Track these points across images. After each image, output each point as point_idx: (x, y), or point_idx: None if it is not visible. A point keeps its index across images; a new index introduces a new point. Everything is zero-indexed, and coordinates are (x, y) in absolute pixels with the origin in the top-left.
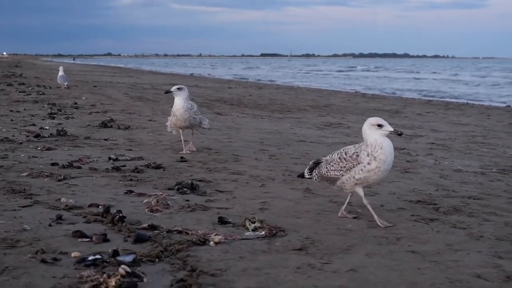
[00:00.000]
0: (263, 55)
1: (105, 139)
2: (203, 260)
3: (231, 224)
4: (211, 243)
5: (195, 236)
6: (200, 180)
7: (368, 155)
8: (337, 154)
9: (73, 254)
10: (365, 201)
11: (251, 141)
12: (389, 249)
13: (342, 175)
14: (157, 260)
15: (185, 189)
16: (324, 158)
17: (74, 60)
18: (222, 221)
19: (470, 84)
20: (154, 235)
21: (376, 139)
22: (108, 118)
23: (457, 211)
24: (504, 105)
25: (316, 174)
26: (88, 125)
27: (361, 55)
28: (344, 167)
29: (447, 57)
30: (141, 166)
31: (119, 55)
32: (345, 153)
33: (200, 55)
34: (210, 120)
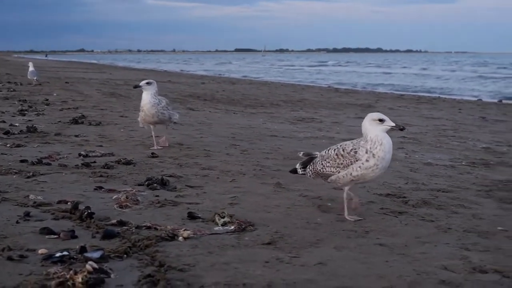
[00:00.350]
0: (237, 50)
1: (76, 136)
2: (172, 255)
3: (200, 219)
4: (180, 238)
5: (164, 232)
6: (170, 176)
7: (366, 152)
8: (334, 150)
9: (40, 251)
10: (345, 195)
11: (223, 136)
12: (358, 242)
13: (339, 172)
14: (125, 256)
15: (155, 184)
16: (319, 153)
17: (46, 56)
18: (191, 216)
19: (441, 78)
20: (122, 231)
21: (376, 134)
22: (80, 115)
23: (426, 204)
24: (475, 98)
25: (311, 170)
26: (59, 121)
27: (335, 50)
28: (341, 163)
29: (420, 51)
30: (111, 162)
31: (92, 51)
32: (343, 150)
33: (174, 50)
34: (182, 115)
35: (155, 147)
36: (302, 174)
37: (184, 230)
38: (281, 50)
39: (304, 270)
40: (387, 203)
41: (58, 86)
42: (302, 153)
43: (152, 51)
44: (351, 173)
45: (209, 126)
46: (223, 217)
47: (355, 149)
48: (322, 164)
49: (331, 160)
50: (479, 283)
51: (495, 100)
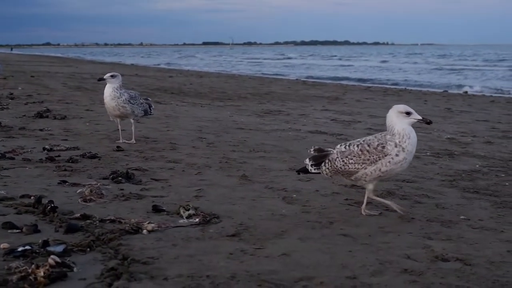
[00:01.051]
0: (205, 43)
1: (41, 130)
2: (136, 248)
3: (165, 212)
4: (144, 231)
5: (128, 225)
6: (136, 169)
7: (396, 146)
8: (357, 146)
9: (1, 246)
10: (368, 193)
11: (190, 129)
12: (322, 233)
13: (365, 168)
14: (88, 249)
15: (120, 178)
16: (336, 149)
17: (11, 50)
18: (156, 209)
19: (402, 70)
20: (86, 224)
21: (404, 128)
22: (44, 109)
23: (390, 194)
24: (442, 90)
25: (328, 169)
26: (24, 115)
27: (303, 43)
28: (368, 159)
29: (387, 44)
30: (76, 156)
31: (59, 44)
32: (368, 145)
33: (141, 44)
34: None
35: (121, 141)
36: (316, 172)
37: (148, 223)
38: (249, 43)
39: (268, 261)
40: (352, 194)
41: (23, 80)
42: (313, 149)
43: (119, 44)
44: (380, 169)
45: (176, 120)
46: (188, 210)
47: (382, 144)
48: (343, 161)
49: (354, 156)
50: (441, 271)
51: (461, 92)
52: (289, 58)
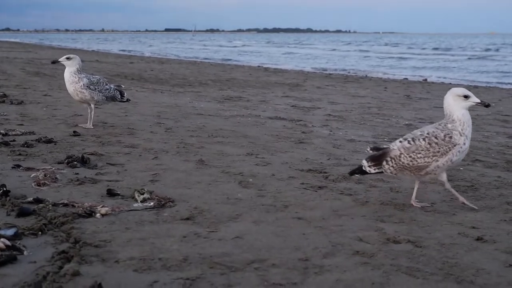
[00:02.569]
0: (167, 30)
1: None
2: (88, 232)
3: (120, 196)
4: (98, 215)
5: (81, 209)
6: (91, 154)
7: (461, 135)
8: (424, 140)
9: None
10: (447, 185)
11: (148, 115)
12: (276, 216)
13: (437, 161)
14: (40, 233)
15: (75, 162)
16: (395, 146)
17: None
18: (110, 193)
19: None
20: (39, 208)
21: (463, 114)
22: (1, 93)
23: (345, 179)
24: (402, 77)
25: (392, 167)
26: None
27: (265, 30)
28: (438, 151)
29: (349, 32)
30: (31, 140)
31: (18, 30)
32: (435, 137)
33: (103, 30)
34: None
35: (83, 125)
36: (377, 172)
37: (102, 207)
38: (212, 30)
39: (221, 244)
40: (308, 178)
41: None
42: (369, 148)
43: (80, 30)
44: (451, 159)
45: (135, 105)
46: (143, 194)
47: (448, 134)
48: (410, 157)
49: (423, 150)
50: (392, 253)
51: (420, 79)
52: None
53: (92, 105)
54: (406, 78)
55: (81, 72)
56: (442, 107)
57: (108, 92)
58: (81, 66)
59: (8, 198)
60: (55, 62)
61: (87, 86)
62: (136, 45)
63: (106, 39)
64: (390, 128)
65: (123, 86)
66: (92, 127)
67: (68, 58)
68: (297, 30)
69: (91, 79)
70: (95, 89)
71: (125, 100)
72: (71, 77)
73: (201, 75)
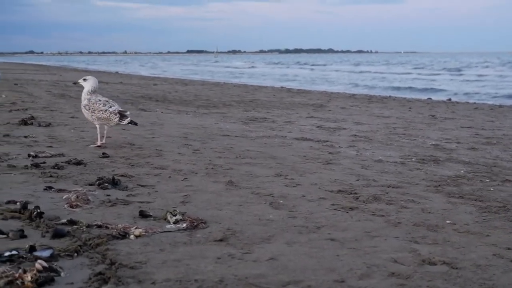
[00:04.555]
0: (189, 52)
1: (25, 137)
2: (123, 253)
3: (152, 218)
4: (131, 236)
5: (115, 230)
6: (122, 175)
7: None
8: None
9: None
10: None
11: (175, 136)
12: (309, 238)
13: None
14: (75, 254)
15: (106, 184)
16: None
17: None
18: (143, 214)
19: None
20: (73, 230)
21: None
22: (29, 116)
23: (376, 200)
24: (426, 97)
25: None
26: (8, 122)
27: (287, 51)
28: None
29: (371, 52)
30: (61, 162)
31: (42, 52)
32: None
33: (126, 52)
34: (133, 116)
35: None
36: None
37: (135, 228)
38: (234, 51)
39: (255, 266)
40: (338, 199)
41: (6, 87)
42: None
43: (103, 52)
44: None
45: (161, 127)
46: (175, 215)
47: None
48: None
49: None
50: (428, 275)
51: (444, 99)
52: (253, 67)
53: (96, 125)
54: (430, 98)
55: (91, 93)
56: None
57: (102, 113)
58: (95, 87)
59: (42, 220)
60: (75, 83)
61: (83, 106)
62: (158, 67)
63: (128, 61)
64: (417, 149)
65: (128, 112)
66: (99, 145)
67: (84, 79)
68: (318, 51)
69: (92, 100)
70: (89, 109)
71: (123, 123)
72: (82, 97)
73: (225, 96)
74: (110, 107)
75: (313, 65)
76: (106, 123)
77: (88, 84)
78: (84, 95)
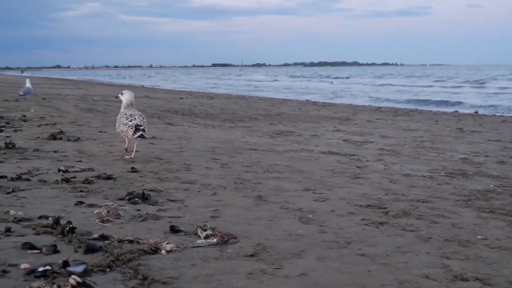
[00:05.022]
0: (214, 65)
1: (55, 151)
2: (155, 268)
3: (182, 233)
4: (163, 251)
5: (147, 245)
6: (151, 190)
7: None
8: None
9: (22, 266)
10: None
11: (203, 150)
12: (340, 253)
13: None
14: (108, 269)
15: (136, 199)
16: None
17: (22, 72)
18: (173, 229)
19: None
20: (105, 245)
21: None
22: (58, 130)
23: (406, 214)
24: (452, 110)
25: None
26: (37, 137)
27: (312, 64)
28: None
29: (396, 64)
30: (91, 177)
31: (69, 67)
32: None
33: (151, 66)
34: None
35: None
36: None
37: (166, 243)
38: (259, 65)
39: (287, 281)
40: (368, 214)
41: (35, 102)
42: None
43: (129, 66)
44: None
45: (188, 141)
46: (206, 230)
47: None
48: None
49: None
50: None
51: (471, 112)
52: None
53: (124, 137)
54: (457, 111)
55: (127, 106)
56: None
57: (123, 126)
58: (131, 100)
59: (74, 235)
60: (116, 97)
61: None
62: (180, 81)
63: (153, 75)
64: (446, 162)
65: (142, 127)
66: (128, 158)
67: (121, 94)
68: (343, 64)
69: (122, 113)
70: (117, 121)
71: (134, 136)
72: (121, 111)
73: (250, 110)
74: (131, 120)
75: (336, 77)
76: (125, 135)
77: (124, 97)
78: (121, 109)
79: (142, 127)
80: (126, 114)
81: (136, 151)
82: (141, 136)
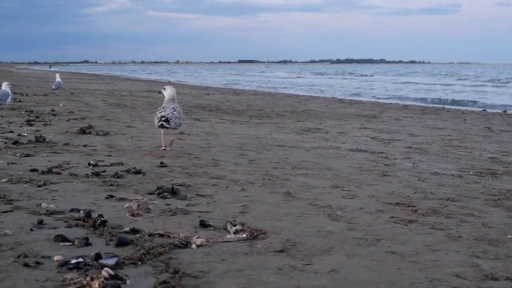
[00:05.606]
0: (240, 61)
1: (84, 145)
2: (186, 262)
3: (212, 227)
4: (193, 246)
5: (177, 239)
6: (180, 185)
7: None
8: None
9: (55, 258)
10: None
11: (230, 146)
12: (369, 250)
13: None
14: (139, 262)
15: (165, 193)
16: None
17: (50, 67)
18: (203, 224)
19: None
20: (136, 238)
21: None
22: (87, 125)
23: (435, 213)
24: (481, 109)
25: None
26: (67, 131)
27: (338, 61)
28: None
29: (423, 62)
30: (121, 171)
31: (96, 62)
32: None
33: (178, 62)
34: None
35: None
36: None
37: (197, 238)
38: (285, 61)
39: (317, 277)
40: (397, 212)
41: (63, 97)
42: None
43: (156, 62)
44: None
45: (216, 136)
46: (235, 225)
47: None
48: None
49: None
50: None
51: (500, 111)
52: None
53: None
54: (485, 110)
55: (168, 101)
56: None
57: (155, 117)
58: (172, 95)
59: (106, 228)
60: (160, 92)
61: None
62: (210, 76)
63: (178, 70)
64: (474, 161)
65: (164, 118)
66: (165, 149)
67: (164, 89)
68: (370, 61)
69: (160, 106)
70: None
71: (156, 126)
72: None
73: (277, 106)
74: (160, 112)
75: (360, 75)
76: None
77: (166, 93)
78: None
79: (164, 118)
80: (161, 107)
81: (166, 147)
82: (161, 126)
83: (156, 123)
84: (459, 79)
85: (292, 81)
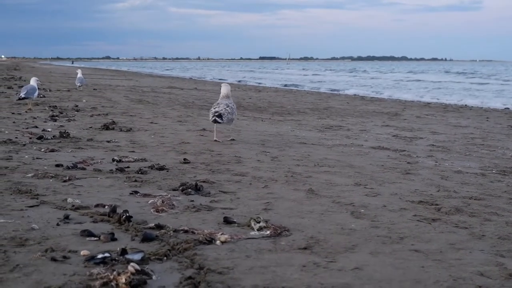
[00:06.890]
0: (261, 58)
1: (108, 141)
2: (210, 258)
3: (236, 224)
4: (218, 242)
5: (202, 236)
6: (203, 181)
7: None
8: None
9: (82, 253)
10: None
11: (253, 143)
12: (393, 248)
13: None
14: (165, 258)
15: (189, 190)
16: None
17: (72, 63)
18: (227, 221)
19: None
20: (161, 234)
21: None
22: (110, 121)
23: (458, 211)
24: (504, 107)
25: None
26: (90, 127)
27: (359, 58)
28: None
29: (445, 60)
30: (144, 167)
31: (118, 58)
32: None
33: (199, 58)
34: (210, 122)
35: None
36: None
37: (221, 234)
38: (306, 58)
39: (341, 275)
40: (420, 210)
41: (86, 92)
42: None
43: (177, 58)
44: None
45: (238, 133)
46: (259, 222)
47: None
48: None
49: None
50: None
51: None
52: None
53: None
54: (508, 108)
55: (223, 97)
56: None
57: (210, 113)
58: (226, 93)
59: (131, 224)
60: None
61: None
62: (232, 73)
63: (202, 67)
64: (497, 160)
65: (217, 114)
66: (216, 140)
67: (220, 87)
68: (392, 58)
69: (215, 102)
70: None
71: (211, 121)
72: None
73: (298, 104)
74: (214, 108)
75: (375, 71)
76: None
77: (221, 90)
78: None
79: (218, 113)
80: (215, 102)
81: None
82: (215, 121)
83: (210, 118)
84: (468, 77)
85: (311, 78)
